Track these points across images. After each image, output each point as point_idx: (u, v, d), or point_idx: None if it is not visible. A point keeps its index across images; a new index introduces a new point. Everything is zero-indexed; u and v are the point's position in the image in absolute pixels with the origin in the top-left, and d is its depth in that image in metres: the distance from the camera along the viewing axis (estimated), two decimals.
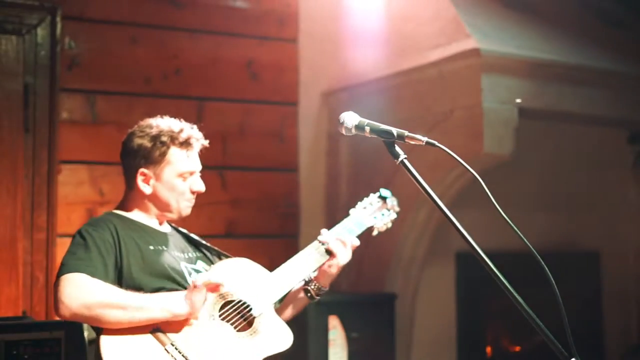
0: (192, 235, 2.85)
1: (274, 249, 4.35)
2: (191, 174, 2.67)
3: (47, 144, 4.00)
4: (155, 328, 2.38)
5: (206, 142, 2.73)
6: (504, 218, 2.15)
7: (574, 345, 1.99)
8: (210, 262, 2.77)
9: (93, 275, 2.39)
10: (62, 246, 4.02)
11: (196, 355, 2.37)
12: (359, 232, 2.88)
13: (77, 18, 4.15)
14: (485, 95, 4.09)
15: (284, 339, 2.55)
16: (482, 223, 3.67)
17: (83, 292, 2.33)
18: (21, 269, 3.91)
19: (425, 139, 2.21)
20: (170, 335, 2.39)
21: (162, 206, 2.66)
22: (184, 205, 2.67)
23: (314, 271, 2.77)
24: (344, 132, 2.36)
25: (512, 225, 2.16)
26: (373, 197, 3.03)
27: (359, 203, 2.99)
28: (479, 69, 4.10)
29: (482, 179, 2.18)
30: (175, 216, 2.70)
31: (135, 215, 2.68)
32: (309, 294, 2.77)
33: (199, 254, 2.78)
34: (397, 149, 2.25)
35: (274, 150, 4.65)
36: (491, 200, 2.23)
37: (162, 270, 2.55)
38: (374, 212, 2.98)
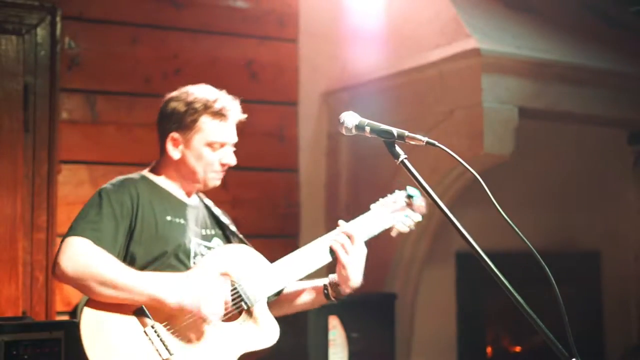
0: (217, 211, 2.80)
1: (274, 249, 4.30)
2: (222, 145, 2.61)
3: (47, 144, 4.00)
4: (141, 308, 2.38)
5: (243, 116, 2.67)
6: (504, 218, 2.15)
7: (574, 345, 1.99)
8: (224, 240, 2.74)
9: (99, 241, 2.38)
10: None
11: (175, 341, 2.37)
12: (377, 231, 2.74)
13: (77, 18, 4.15)
14: (485, 95, 4.09)
15: (270, 336, 2.53)
16: (482, 223, 3.67)
17: (80, 261, 2.33)
18: (21, 269, 3.91)
19: (425, 139, 2.21)
20: (154, 316, 2.38)
21: (189, 174, 2.61)
22: (211, 176, 2.62)
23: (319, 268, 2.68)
24: (344, 132, 2.36)
25: (512, 225, 2.16)
26: (399, 195, 2.83)
27: (382, 199, 2.83)
28: (479, 69, 4.10)
29: (482, 179, 2.18)
30: (201, 186, 2.66)
31: (163, 181, 2.65)
32: (326, 294, 2.69)
33: (217, 231, 2.74)
34: (398, 149, 2.25)
35: (274, 150, 4.65)
36: (491, 200, 2.23)
37: (170, 243, 2.51)
38: (397, 211, 2.80)
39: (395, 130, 2.25)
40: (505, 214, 2.15)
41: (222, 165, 2.63)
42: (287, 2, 4.72)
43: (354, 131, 2.34)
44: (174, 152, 2.60)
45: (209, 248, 2.63)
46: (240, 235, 2.80)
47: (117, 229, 2.44)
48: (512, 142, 4.16)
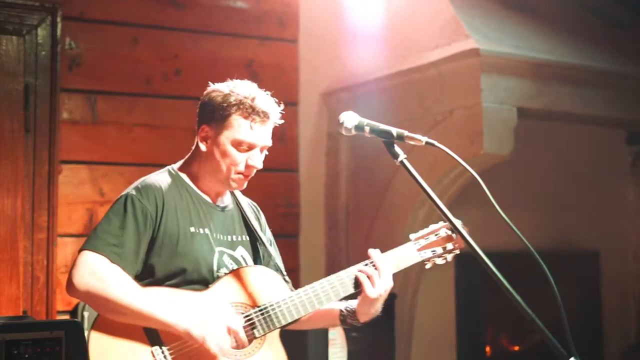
0: (250, 213, 2.67)
1: None
2: (250, 147, 2.48)
3: (47, 144, 4.00)
4: (152, 329, 2.34)
5: (279, 121, 2.55)
6: (504, 218, 2.16)
7: (574, 345, 2.00)
8: (250, 248, 2.61)
9: (119, 257, 2.33)
10: (63, 246, 4.04)
11: None
12: (409, 264, 2.58)
13: (78, 18, 4.16)
14: (484, 95, 4.09)
15: None
16: (482, 223, 3.67)
17: (93, 281, 2.29)
18: (22, 268, 3.92)
19: (425, 138, 2.22)
20: (163, 337, 2.34)
21: (213, 170, 2.49)
22: (234, 177, 2.48)
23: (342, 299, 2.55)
24: (343, 132, 2.36)
25: (512, 225, 2.17)
26: (441, 229, 2.63)
27: (421, 230, 2.63)
28: (478, 69, 4.10)
29: (482, 179, 2.19)
30: (223, 187, 2.54)
31: (192, 179, 2.54)
32: (342, 320, 2.58)
33: (244, 238, 2.61)
34: (397, 149, 2.26)
35: (274, 150, 4.62)
36: (491, 200, 2.23)
37: (191, 261, 2.43)
38: (434, 244, 2.61)
39: (394, 130, 2.26)
40: (505, 213, 2.16)
41: (248, 167, 2.50)
42: (287, 2, 4.73)
43: (353, 131, 2.35)
44: (202, 144, 2.49)
45: (233, 258, 2.53)
46: (267, 245, 2.65)
47: (139, 244, 2.38)
48: (511, 142, 4.17)
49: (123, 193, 2.45)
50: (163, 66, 4.36)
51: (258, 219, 2.71)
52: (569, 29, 4.77)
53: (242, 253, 2.57)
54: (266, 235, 2.70)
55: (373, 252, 2.53)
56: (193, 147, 2.56)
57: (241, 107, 2.46)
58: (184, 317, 2.32)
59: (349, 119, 2.35)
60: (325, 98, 4.87)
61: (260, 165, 2.54)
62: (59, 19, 4.03)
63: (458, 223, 2.44)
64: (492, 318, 5.11)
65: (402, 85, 4.53)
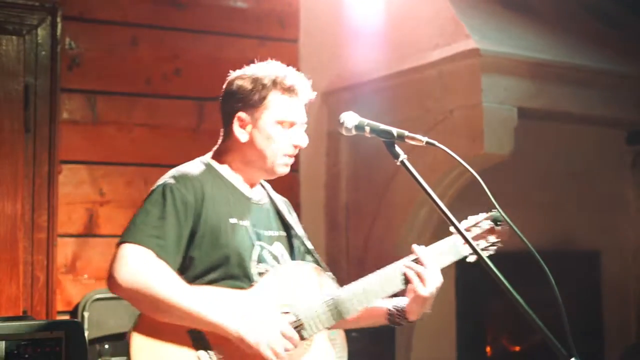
0: (283, 207, 2.59)
1: None
2: (291, 124, 2.38)
3: (47, 144, 4.00)
4: (197, 331, 2.20)
5: (313, 95, 2.45)
6: (504, 218, 2.16)
7: (574, 345, 1.99)
8: (287, 244, 2.52)
9: (162, 250, 2.19)
10: (63, 246, 4.04)
11: None
12: (455, 259, 2.48)
13: (78, 18, 4.16)
14: (484, 95, 4.09)
15: None
16: None
17: (140, 277, 2.14)
18: (22, 268, 3.92)
19: (425, 139, 2.22)
20: (209, 341, 2.20)
21: (257, 159, 2.38)
22: (281, 161, 2.39)
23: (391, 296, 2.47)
24: (344, 132, 2.36)
25: (512, 225, 2.17)
26: (483, 220, 2.55)
27: (465, 222, 2.53)
28: (478, 69, 4.11)
29: (482, 179, 2.19)
30: (268, 174, 2.44)
31: (227, 171, 2.42)
32: (390, 319, 2.51)
33: (281, 234, 2.51)
34: (397, 149, 2.25)
35: None
36: (491, 200, 2.24)
37: (232, 252, 2.31)
38: (478, 237, 2.52)
39: (395, 130, 2.26)
40: (505, 213, 2.16)
41: (294, 146, 2.40)
42: (288, 2, 4.73)
43: (353, 131, 2.34)
44: (241, 134, 2.37)
45: (271, 254, 2.42)
46: (307, 243, 2.57)
47: (180, 235, 2.24)
48: (511, 142, 4.17)
49: (159, 183, 2.32)
50: (163, 66, 4.36)
51: (291, 215, 2.62)
52: (569, 29, 4.77)
53: (280, 249, 2.47)
54: (302, 231, 2.61)
55: (417, 248, 2.43)
56: (221, 140, 2.45)
57: (277, 85, 2.37)
58: (236, 319, 2.18)
59: (349, 119, 2.35)
60: (325, 98, 4.87)
61: (306, 142, 2.43)
62: (59, 19, 4.03)
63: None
64: (493, 318, 5.11)
65: (402, 85, 4.53)
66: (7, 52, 3.95)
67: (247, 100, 2.37)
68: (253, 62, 2.33)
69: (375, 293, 2.39)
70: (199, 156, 2.49)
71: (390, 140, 2.26)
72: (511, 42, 4.31)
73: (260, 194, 2.51)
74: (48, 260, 3.95)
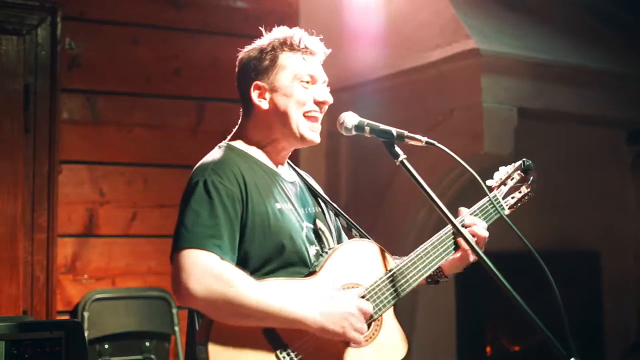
0: (314, 182, 2.50)
1: None
2: (310, 81, 2.32)
3: (47, 144, 4.00)
4: (271, 331, 2.10)
5: (327, 51, 2.42)
6: (504, 218, 2.16)
7: (574, 345, 1.99)
8: (325, 220, 2.42)
9: (221, 252, 2.06)
10: (63, 246, 4.04)
11: None
12: (495, 217, 2.45)
13: (78, 18, 4.15)
14: (484, 95, 4.10)
15: (398, 351, 2.30)
16: None
17: (214, 285, 2.01)
18: (22, 268, 3.92)
19: (425, 139, 2.22)
20: (283, 338, 2.10)
21: (281, 122, 2.27)
22: (305, 124, 2.29)
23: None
24: (343, 132, 2.36)
25: (512, 225, 2.17)
26: (513, 171, 2.55)
27: (497, 175, 2.55)
28: (478, 69, 4.11)
29: (482, 179, 2.19)
30: (295, 140, 2.31)
31: (255, 152, 2.31)
32: (428, 279, 2.43)
33: (317, 209, 2.42)
34: (397, 149, 2.25)
35: None
36: (491, 200, 2.23)
37: (286, 237, 2.20)
38: (512, 191, 2.52)
39: (394, 131, 2.26)
40: (505, 213, 2.16)
41: (317, 103, 2.32)
42: (288, 2, 4.73)
43: (353, 131, 2.34)
44: (261, 102, 2.28)
45: (316, 233, 2.33)
46: (341, 211, 2.48)
47: (234, 232, 2.12)
48: (511, 142, 4.17)
49: (197, 178, 2.16)
50: (163, 66, 4.36)
51: (318, 188, 2.52)
52: (569, 29, 4.77)
53: (320, 226, 2.37)
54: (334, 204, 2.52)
55: (467, 215, 2.38)
56: (241, 121, 2.37)
57: (285, 44, 2.31)
58: (314, 311, 2.08)
59: (349, 119, 2.35)
60: None
61: (330, 98, 2.35)
62: (59, 19, 4.03)
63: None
64: (493, 318, 5.11)
65: (402, 85, 4.53)
66: (7, 52, 3.95)
67: (259, 67, 2.31)
68: None
69: (433, 261, 2.34)
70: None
71: (389, 141, 2.26)
72: (511, 42, 4.31)
73: (290, 173, 2.41)
74: (48, 260, 3.95)
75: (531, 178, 2.54)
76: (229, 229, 2.10)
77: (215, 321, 2.06)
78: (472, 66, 4.13)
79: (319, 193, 2.47)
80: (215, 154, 2.27)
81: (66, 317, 4.00)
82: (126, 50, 4.28)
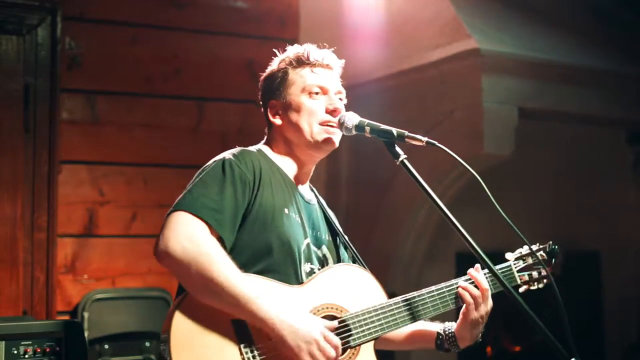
0: (330, 212, 2.52)
1: None
2: (319, 92, 2.36)
3: (47, 144, 4.00)
4: (241, 322, 2.08)
5: (340, 62, 2.48)
6: (504, 218, 2.16)
7: (574, 345, 1.99)
8: (335, 251, 2.44)
9: (219, 225, 2.08)
10: (63, 246, 4.04)
11: None
12: (508, 286, 2.30)
13: (78, 18, 4.15)
14: (485, 95, 4.09)
15: None
16: (482, 223, 3.67)
17: (194, 248, 2.02)
18: (21, 268, 3.92)
19: (425, 139, 2.22)
20: (252, 334, 2.08)
21: (295, 134, 2.33)
22: (318, 129, 2.31)
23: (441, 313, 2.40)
24: (344, 132, 2.36)
25: (512, 225, 2.17)
26: (537, 250, 2.52)
27: (520, 250, 2.52)
28: (479, 69, 4.11)
29: (482, 179, 2.19)
30: (313, 149, 2.35)
31: (279, 159, 2.36)
32: (439, 345, 2.43)
33: (328, 238, 2.43)
34: (397, 149, 2.25)
35: None
36: (491, 200, 2.23)
37: (282, 240, 2.21)
38: (531, 266, 2.49)
39: (395, 130, 2.26)
40: (505, 213, 2.16)
41: (329, 112, 2.34)
42: (288, 2, 4.73)
43: (354, 131, 2.34)
44: (276, 119, 2.37)
45: (318, 256, 2.34)
46: (351, 246, 2.48)
47: (237, 213, 2.14)
48: (511, 142, 4.17)
49: (218, 158, 2.24)
50: (163, 66, 4.36)
51: (335, 219, 2.54)
52: (570, 29, 4.77)
53: (325, 253, 2.39)
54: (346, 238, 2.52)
55: (474, 272, 2.38)
56: (266, 137, 2.44)
57: (295, 61, 2.41)
58: (282, 319, 2.06)
59: (350, 118, 2.34)
60: None
61: (341, 106, 2.36)
62: (59, 19, 4.02)
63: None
64: (493, 318, 5.09)
65: (402, 85, 4.53)
66: (7, 52, 3.95)
67: (272, 87, 2.41)
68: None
69: (426, 310, 2.35)
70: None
71: (390, 141, 2.26)
72: (512, 42, 4.31)
73: (310, 194, 2.45)
74: (48, 261, 3.95)
75: (554, 261, 2.49)
76: (232, 209, 2.14)
77: (188, 295, 2.07)
78: (473, 66, 4.12)
79: (334, 223, 2.50)
80: (246, 149, 2.34)
81: (66, 318, 4.00)
82: (126, 50, 4.28)
